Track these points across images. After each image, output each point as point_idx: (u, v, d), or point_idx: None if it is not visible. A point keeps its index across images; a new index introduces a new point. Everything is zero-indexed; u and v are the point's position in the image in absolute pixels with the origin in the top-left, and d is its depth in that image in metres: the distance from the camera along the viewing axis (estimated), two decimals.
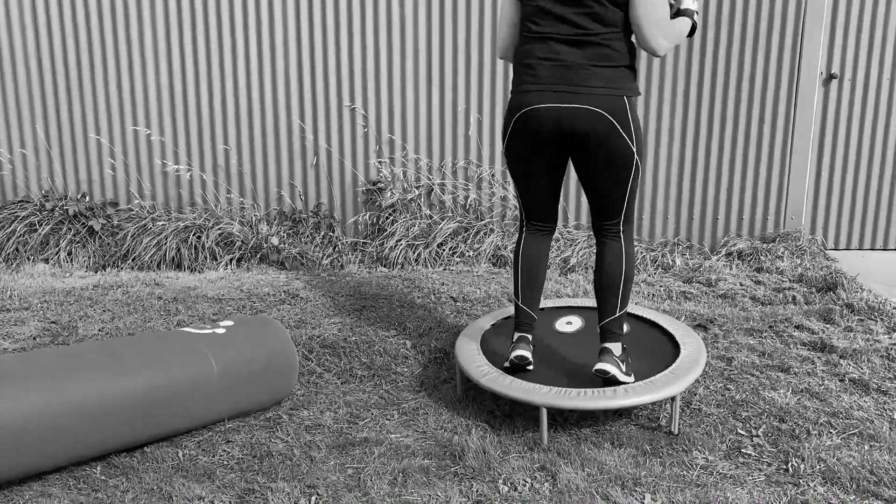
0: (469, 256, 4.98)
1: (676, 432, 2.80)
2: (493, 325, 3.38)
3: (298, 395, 3.16)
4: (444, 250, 5.02)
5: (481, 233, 5.12)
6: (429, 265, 4.92)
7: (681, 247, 5.29)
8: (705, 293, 4.39)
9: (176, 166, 5.24)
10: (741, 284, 4.54)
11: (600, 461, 2.60)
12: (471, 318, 3.93)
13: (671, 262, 5.00)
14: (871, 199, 5.37)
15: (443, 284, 4.44)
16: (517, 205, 3.01)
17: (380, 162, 5.23)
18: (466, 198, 5.24)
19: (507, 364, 2.93)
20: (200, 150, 5.23)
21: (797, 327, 3.82)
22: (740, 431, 2.81)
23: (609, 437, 2.78)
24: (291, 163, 5.25)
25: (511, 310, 3.56)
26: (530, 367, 2.93)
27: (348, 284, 4.48)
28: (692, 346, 3.03)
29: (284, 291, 4.31)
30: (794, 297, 4.28)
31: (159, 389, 2.60)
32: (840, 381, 3.21)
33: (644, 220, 5.33)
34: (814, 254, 5.09)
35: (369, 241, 5.20)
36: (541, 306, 3.62)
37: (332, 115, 5.18)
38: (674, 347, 3.11)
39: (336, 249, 5.15)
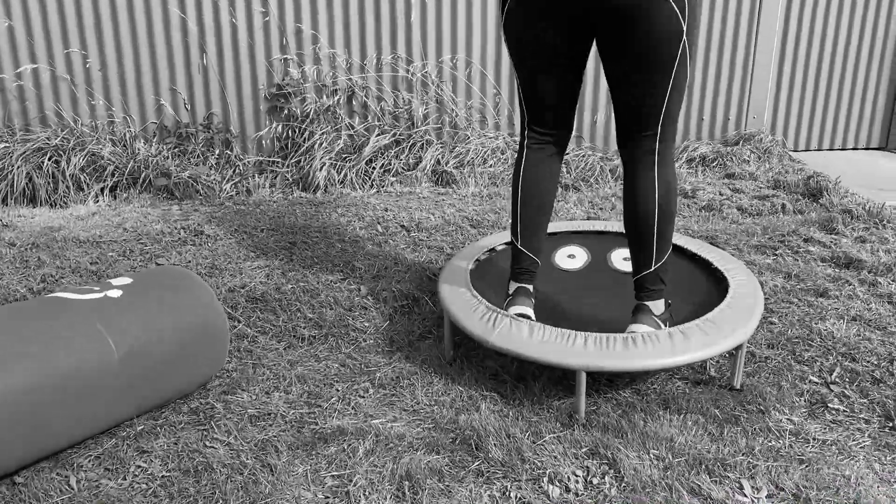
0: (406, 175, 4.16)
1: (738, 387, 2.20)
2: (476, 262, 2.63)
3: (230, 371, 2.32)
4: (373, 168, 4.17)
5: (417, 146, 4.29)
6: (358, 187, 4.06)
7: None
8: (687, 205, 3.82)
9: (17, 70, 4.03)
10: (720, 193, 4.01)
11: (666, 437, 1.96)
12: (433, 251, 3.16)
13: None
14: (831, 99, 4.95)
15: (386, 211, 3.62)
16: (519, 107, 2.07)
17: (286, 60, 4.24)
18: (397, 103, 4.37)
19: None
20: (48, 47, 4.04)
21: (806, 240, 3.31)
22: (812, 378, 2.25)
23: (658, 400, 2.14)
24: (172, 64, 4.16)
25: (491, 240, 2.81)
26: None
27: (265, 215, 3.57)
28: (740, 277, 2.41)
29: (183, 228, 3.35)
30: (783, 206, 3.78)
31: (33, 391, 1.70)
32: (889, 303, 2.72)
33: (598, 124, 4.67)
34: (780, 156, 4.64)
35: (280, 161, 4.26)
36: None
37: (220, 1, 4.11)
38: (714, 279, 2.49)
39: (238, 171, 4.18)
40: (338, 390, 2.22)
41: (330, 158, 4.11)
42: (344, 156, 4.17)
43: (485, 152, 4.34)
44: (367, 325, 2.59)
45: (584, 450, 1.93)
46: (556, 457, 1.90)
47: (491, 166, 4.28)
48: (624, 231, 2.21)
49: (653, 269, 2.16)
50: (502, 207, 3.67)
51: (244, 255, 3.09)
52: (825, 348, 2.41)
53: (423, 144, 4.30)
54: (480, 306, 2.27)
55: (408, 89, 4.37)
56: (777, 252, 3.18)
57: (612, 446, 1.92)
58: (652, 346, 2.03)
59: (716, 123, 4.82)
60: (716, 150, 4.63)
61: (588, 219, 3.56)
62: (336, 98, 4.26)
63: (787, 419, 2.06)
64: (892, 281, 2.87)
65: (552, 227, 2.89)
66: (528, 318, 2.20)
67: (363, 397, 2.20)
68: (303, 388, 2.23)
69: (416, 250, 3.15)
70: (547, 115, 2.21)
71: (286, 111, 4.26)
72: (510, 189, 2.37)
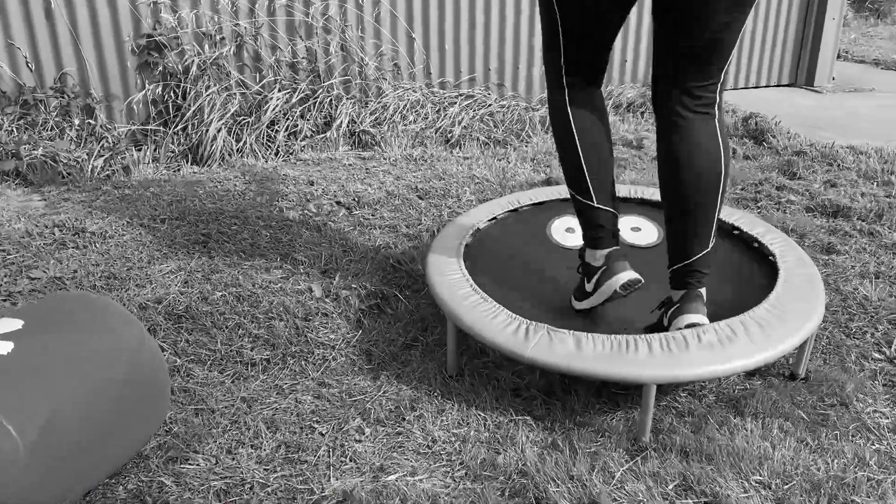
0: (318, 139, 3.54)
1: (804, 375, 1.87)
2: (466, 249, 2.13)
3: (169, 423, 1.71)
4: (276, 132, 3.51)
5: (326, 103, 3.66)
6: (261, 156, 3.40)
7: None
8: (638, 157, 3.48)
9: None
10: None
11: (759, 455, 1.59)
12: (385, 232, 2.62)
13: None
14: (745, 39, 4.77)
15: (311, 184, 3.02)
16: (549, 52, 1.50)
17: (156, 2, 3.45)
18: (295, 53, 3.70)
19: (603, 297, 1.82)
20: None
21: (779, 189, 3.07)
22: (875, 355, 1.96)
23: (722, 403, 1.77)
24: (3, 10, 3.27)
25: (470, 218, 2.32)
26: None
27: (160, 200, 2.86)
28: (790, 254, 2.06)
29: (57, 225, 2.60)
30: (734, 151, 3.54)
31: None
32: None
33: (520, 71, 4.22)
34: None
35: (161, 129, 3.50)
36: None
37: None
38: (756, 254, 2.14)
39: (107, 145, 3.39)
40: (323, 435, 1.68)
41: (224, 123, 3.41)
42: (240, 119, 3.48)
43: (404, 107, 3.79)
44: (332, 336, 2.04)
45: (671, 486, 1.52)
46: (642, 501, 1.48)
47: (412, 123, 3.74)
48: (667, 205, 1.78)
49: (710, 247, 1.76)
50: (446, 173, 3.17)
51: (148, 256, 2.40)
52: (868, 315, 2.14)
53: (332, 101, 3.68)
54: (501, 313, 1.78)
55: (307, 35, 3.71)
56: (759, 204, 2.90)
57: (704, 476, 1.53)
58: (730, 344, 1.64)
59: (638, 64, 4.51)
60: (642, 94, 4.33)
61: (548, 182, 3.13)
62: (222, 49, 3.54)
63: (875, 410, 1.75)
64: (890, 229, 2.66)
65: (539, 196, 2.43)
66: (640, 281, 1.78)
67: (359, 441, 1.67)
68: (275, 437, 1.67)
69: (365, 232, 2.60)
70: (593, 55, 1.76)
71: (161, 67, 3.49)
72: (556, 145, 1.88)
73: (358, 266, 2.36)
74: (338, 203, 2.80)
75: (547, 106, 1.83)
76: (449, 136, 3.70)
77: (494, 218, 2.31)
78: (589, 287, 1.84)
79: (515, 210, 2.37)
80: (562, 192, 2.45)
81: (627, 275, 1.75)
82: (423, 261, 2.37)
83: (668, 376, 1.58)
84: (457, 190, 2.95)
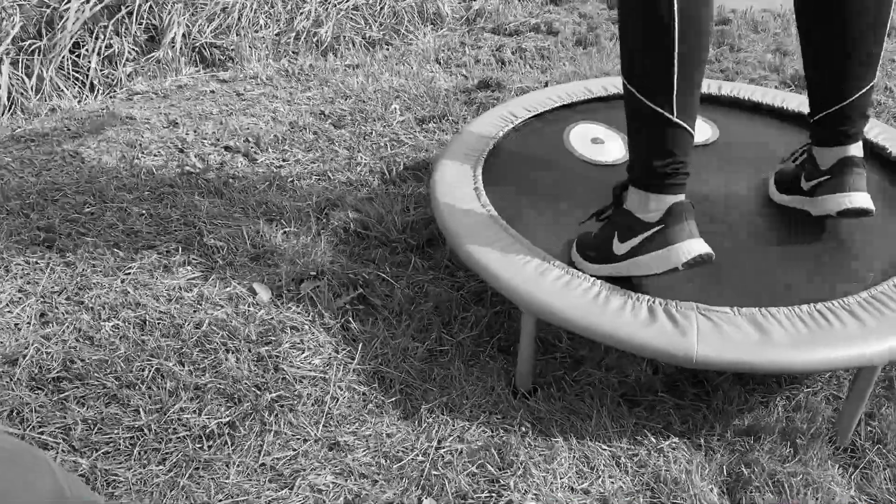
0: (145, 62, 2.58)
1: None
2: (481, 172, 1.46)
3: None
4: (84, 57, 2.51)
5: (144, 10, 2.67)
6: (67, 94, 2.40)
7: None
8: (560, 43, 2.91)
9: None
10: (575, 23, 3.15)
11: None
12: (315, 180, 1.85)
13: (440, 9, 3.30)
14: None
15: (174, 126, 2.12)
16: None
17: None
18: None
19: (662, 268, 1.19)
20: None
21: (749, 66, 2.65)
22: None
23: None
24: None
25: (479, 127, 1.63)
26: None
27: None
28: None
29: None
30: None
31: None
32: None
33: None
34: None
35: None
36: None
37: None
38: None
39: None
40: None
41: (7, 53, 2.34)
42: (28, 44, 2.43)
43: (249, 9, 2.89)
44: (316, 362, 1.32)
45: None
46: None
47: (265, 28, 2.87)
48: (821, 30, 1.22)
49: (875, 80, 1.28)
50: (349, 88, 2.39)
51: None
52: None
53: (151, 7, 2.70)
54: (611, 292, 1.17)
55: None
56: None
57: None
58: None
59: None
60: None
61: (488, 85, 2.46)
62: None
63: None
64: None
65: (552, 99, 1.77)
66: (711, 255, 1.17)
67: None
68: None
69: (286, 186, 1.82)
70: None
71: None
72: (625, 30, 1.14)
73: (303, 242, 1.61)
74: (227, 149, 1.96)
75: None
76: (316, 40, 2.88)
77: (503, 136, 1.65)
78: (622, 247, 1.22)
79: (523, 123, 1.71)
80: (586, 89, 1.81)
81: (699, 245, 1.16)
82: (429, 227, 1.67)
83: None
84: (379, 109, 2.21)
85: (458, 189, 1.45)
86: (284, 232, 1.65)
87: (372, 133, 2.07)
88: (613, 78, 1.89)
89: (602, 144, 1.64)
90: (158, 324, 1.38)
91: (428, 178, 1.85)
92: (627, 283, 1.21)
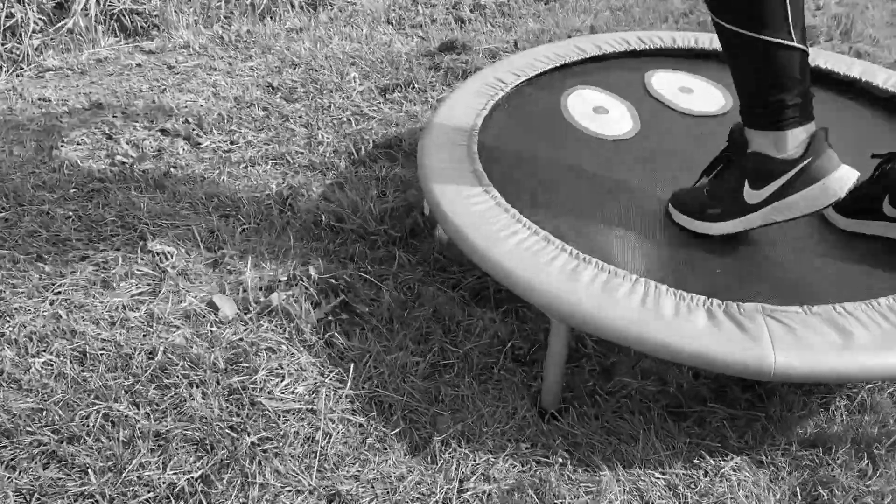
0: (55, 33, 2.24)
1: None
2: (476, 150, 1.25)
3: None
4: (27, 45, 2.16)
5: None
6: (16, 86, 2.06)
7: None
8: (525, 3, 2.68)
9: None
10: None
11: None
12: (272, 167, 1.60)
13: None
14: None
15: (98, 108, 1.82)
16: None
17: None
18: None
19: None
20: None
21: None
22: None
23: None
24: None
25: (465, 100, 1.41)
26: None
27: None
28: None
29: None
30: None
31: None
32: None
33: None
34: None
35: None
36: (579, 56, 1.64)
37: None
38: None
39: None
40: None
41: None
42: None
43: None
44: (301, 391, 1.10)
45: None
46: None
47: None
48: None
49: None
50: (298, 56, 2.12)
51: None
52: None
53: None
54: (660, 291, 0.99)
55: None
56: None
57: None
58: None
59: None
60: None
61: (454, 47, 2.22)
62: None
63: None
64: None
65: (541, 62, 1.56)
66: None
67: None
68: None
69: (237, 174, 1.56)
70: None
71: None
72: None
73: (268, 241, 1.38)
74: (164, 132, 1.68)
75: None
76: (249, 2, 2.58)
77: (495, 107, 1.43)
78: (758, 193, 1.07)
79: (514, 90, 1.49)
80: (575, 49, 1.60)
81: (850, 172, 1.02)
82: (421, 218, 1.45)
83: None
84: (335, 78, 1.95)
85: (454, 174, 1.24)
86: (243, 230, 1.40)
87: (330, 106, 1.82)
88: (605, 35, 1.68)
89: (606, 115, 1.44)
90: (102, 355, 1.13)
91: (405, 158, 1.63)
92: (675, 280, 1.03)
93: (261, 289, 1.27)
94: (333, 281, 1.28)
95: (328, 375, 1.13)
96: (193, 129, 1.68)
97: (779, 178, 1.05)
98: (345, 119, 1.77)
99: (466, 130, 1.34)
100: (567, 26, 2.37)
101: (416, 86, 1.92)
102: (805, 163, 1.03)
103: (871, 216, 1.12)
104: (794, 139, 1.03)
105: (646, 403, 1.10)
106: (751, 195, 1.08)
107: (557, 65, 1.54)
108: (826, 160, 1.02)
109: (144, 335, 1.17)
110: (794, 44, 0.98)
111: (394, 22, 2.46)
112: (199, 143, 1.64)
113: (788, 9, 0.97)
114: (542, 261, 1.04)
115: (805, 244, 1.12)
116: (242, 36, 2.30)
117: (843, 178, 1.01)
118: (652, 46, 1.63)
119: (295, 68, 2.03)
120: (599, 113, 1.44)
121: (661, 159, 1.32)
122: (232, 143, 1.67)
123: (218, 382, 1.10)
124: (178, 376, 1.10)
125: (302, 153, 1.64)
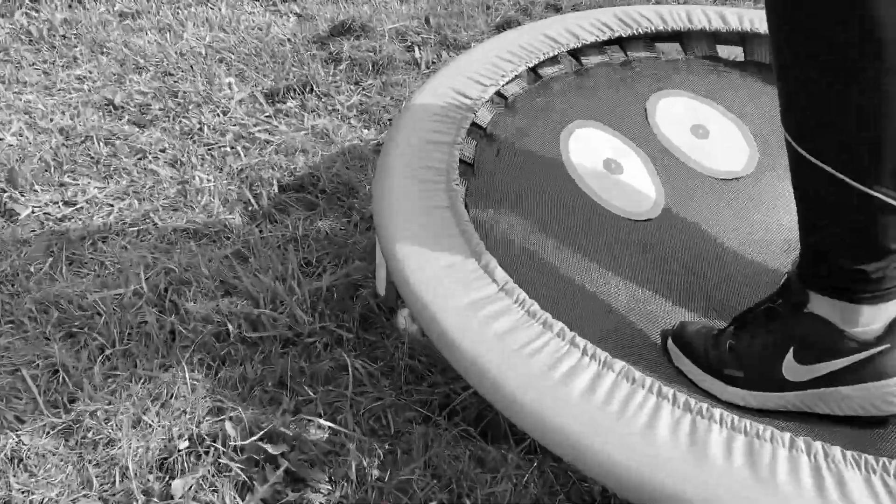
0: None
1: None
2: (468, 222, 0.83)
3: None
4: None
5: None
6: None
7: None
8: None
9: None
10: None
11: None
12: (162, 242, 1.09)
13: None
14: None
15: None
16: None
17: None
18: None
19: None
20: None
21: None
22: None
23: None
24: None
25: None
26: None
27: None
28: None
29: None
30: None
31: None
32: None
33: None
34: None
35: None
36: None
37: None
38: None
39: None
40: None
41: None
42: None
43: None
44: None
45: None
46: None
47: None
48: None
49: None
50: (148, 59, 1.55)
51: None
52: None
53: None
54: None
55: None
56: None
57: None
58: None
59: None
60: None
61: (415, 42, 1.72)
62: None
63: None
64: None
65: (506, 60, 1.11)
66: None
67: None
68: None
69: (82, 261, 1.05)
70: None
71: None
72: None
73: (146, 374, 0.89)
74: None
75: None
76: None
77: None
78: (805, 370, 0.76)
79: (491, 111, 1.05)
80: (502, 56, 1.16)
81: None
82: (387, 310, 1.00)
83: None
84: (199, 84, 1.43)
85: (436, 255, 0.81)
86: (107, 357, 0.91)
87: (202, 129, 1.31)
88: (575, 16, 1.26)
89: (621, 175, 1.03)
90: None
91: (328, 203, 1.17)
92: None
93: (150, 470, 0.80)
94: (260, 441, 0.83)
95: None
96: (2, 190, 1.14)
97: (841, 358, 0.74)
98: (227, 148, 1.28)
99: (438, 181, 0.90)
100: None
101: (314, 88, 1.44)
102: (881, 349, 0.72)
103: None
104: (873, 316, 0.74)
105: None
106: (794, 370, 0.77)
107: (530, 65, 1.11)
108: None
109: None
110: None
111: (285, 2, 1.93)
112: (14, 213, 1.10)
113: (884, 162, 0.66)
114: (597, 407, 0.65)
115: None
116: (57, 28, 1.70)
117: None
118: (638, 31, 1.22)
119: (141, 73, 1.48)
120: (613, 172, 1.03)
121: (682, 254, 0.96)
122: (66, 203, 1.14)
123: None
124: None
125: (175, 210, 1.14)
